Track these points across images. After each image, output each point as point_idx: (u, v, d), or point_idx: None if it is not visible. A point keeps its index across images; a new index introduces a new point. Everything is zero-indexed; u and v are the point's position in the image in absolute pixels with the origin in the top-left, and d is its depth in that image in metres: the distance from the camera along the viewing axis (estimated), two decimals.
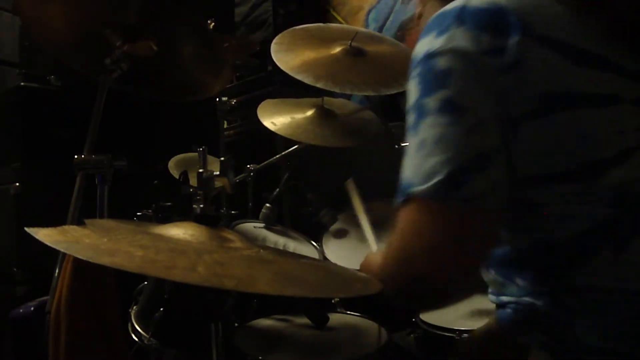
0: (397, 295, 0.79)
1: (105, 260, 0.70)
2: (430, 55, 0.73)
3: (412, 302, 0.91)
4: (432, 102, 0.72)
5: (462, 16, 0.72)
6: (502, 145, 0.70)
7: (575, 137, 0.70)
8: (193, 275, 0.69)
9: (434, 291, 0.76)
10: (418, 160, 0.72)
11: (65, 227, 0.84)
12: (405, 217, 0.73)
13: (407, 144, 0.76)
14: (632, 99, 0.72)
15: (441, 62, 0.72)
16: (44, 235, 0.75)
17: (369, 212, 1.72)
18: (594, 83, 0.72)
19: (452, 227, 0.70)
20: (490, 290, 0.87)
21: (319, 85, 1.54)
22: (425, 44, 0.75)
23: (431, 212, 0.71)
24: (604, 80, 0.72)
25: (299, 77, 1.56)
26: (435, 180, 0.69)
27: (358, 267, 1.03)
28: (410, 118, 0.75)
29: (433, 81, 0.73)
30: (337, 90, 1.58)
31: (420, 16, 1.01)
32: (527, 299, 0.77)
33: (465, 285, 0.79)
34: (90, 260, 0.69)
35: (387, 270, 0.78)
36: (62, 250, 0.82)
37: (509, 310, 0.81)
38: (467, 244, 0.71)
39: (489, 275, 0.85)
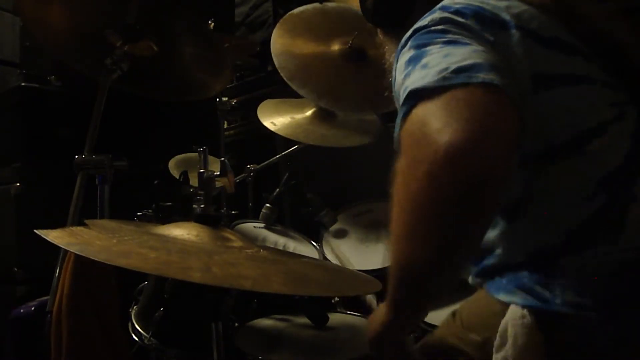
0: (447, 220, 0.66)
1: (121, 262, 0.69)
2: (419, 29, 0.77)
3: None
4: (431, 46, 0.74)
5: (445, 6, 0.79)
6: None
7: (564, 111, 0.76)
8: (210, 276, 0.70)
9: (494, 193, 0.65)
10: (421, 74, 0.70)
11: (73, 228, 0.84)
12: (416, 119, 0.68)
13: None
14: (602, 81, 0.79)
15: (435, 28, 0.76)
16: (55, 237, 0.75)
17: (369, 212, 1.73)
18: (569, 65, 0.78)
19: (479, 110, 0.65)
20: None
21: (321, 104, 1.61)
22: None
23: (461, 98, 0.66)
24: (577, 62, 0.79)
25: (301, 92, 1.59)
26: (448, 71, 0.68)
27: (357, 268, 1.03)
28: (404, 70, 0.74)
29: (429, 38, 0.75)
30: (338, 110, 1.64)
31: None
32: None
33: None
34: (106, 262, 0.69)
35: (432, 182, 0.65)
36: (76, 252, 0.82)
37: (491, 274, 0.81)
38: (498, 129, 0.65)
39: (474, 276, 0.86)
